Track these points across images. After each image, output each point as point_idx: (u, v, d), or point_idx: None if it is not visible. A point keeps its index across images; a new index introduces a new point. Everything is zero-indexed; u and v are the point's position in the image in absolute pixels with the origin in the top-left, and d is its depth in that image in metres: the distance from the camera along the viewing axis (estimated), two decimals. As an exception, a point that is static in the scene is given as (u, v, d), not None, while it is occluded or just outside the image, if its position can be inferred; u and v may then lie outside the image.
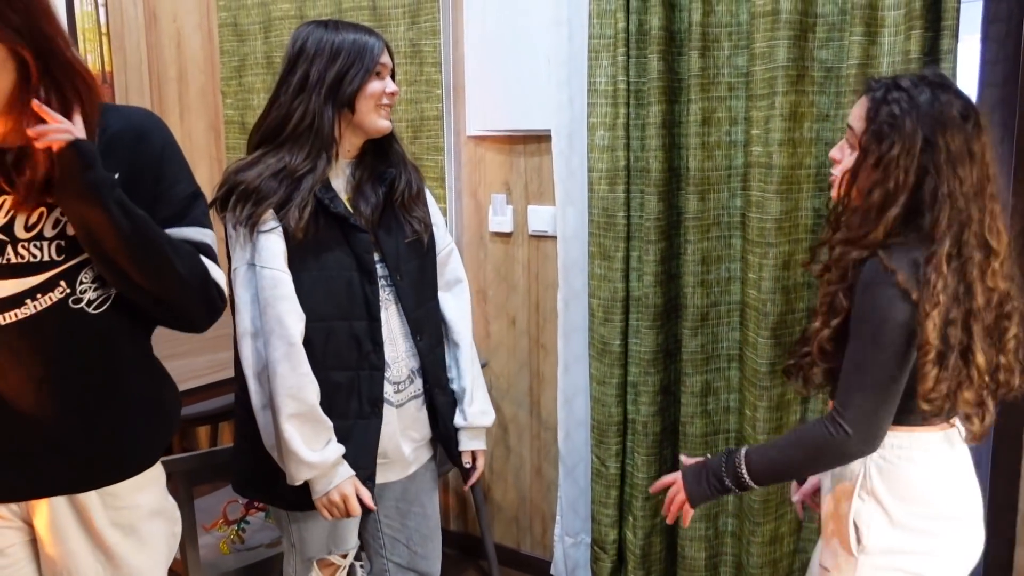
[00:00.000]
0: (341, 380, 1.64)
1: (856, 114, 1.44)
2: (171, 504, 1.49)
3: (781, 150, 2.07)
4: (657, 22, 2.19)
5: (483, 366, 2.70)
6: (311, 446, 1.59)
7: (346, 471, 1.64)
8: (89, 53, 3.52)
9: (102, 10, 3.47)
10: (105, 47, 3.49)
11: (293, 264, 1.61)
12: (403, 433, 1.76)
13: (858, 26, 1.97)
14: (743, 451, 1.45)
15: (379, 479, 1.74)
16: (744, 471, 1.44)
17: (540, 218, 2.62)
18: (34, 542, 1.39)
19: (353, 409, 1.66)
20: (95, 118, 1.27)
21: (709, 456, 1.52)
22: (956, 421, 1.44)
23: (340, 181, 1.70)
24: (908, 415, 1.38)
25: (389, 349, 1.70)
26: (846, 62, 2.01)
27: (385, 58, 1.69)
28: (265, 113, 1.67)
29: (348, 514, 1.65)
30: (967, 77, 1.95)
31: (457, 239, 2.77)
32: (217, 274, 1.40)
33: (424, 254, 1.79)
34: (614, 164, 2.31)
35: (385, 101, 1.69)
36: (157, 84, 3.44)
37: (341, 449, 1.63)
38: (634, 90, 2.29)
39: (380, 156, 1.76)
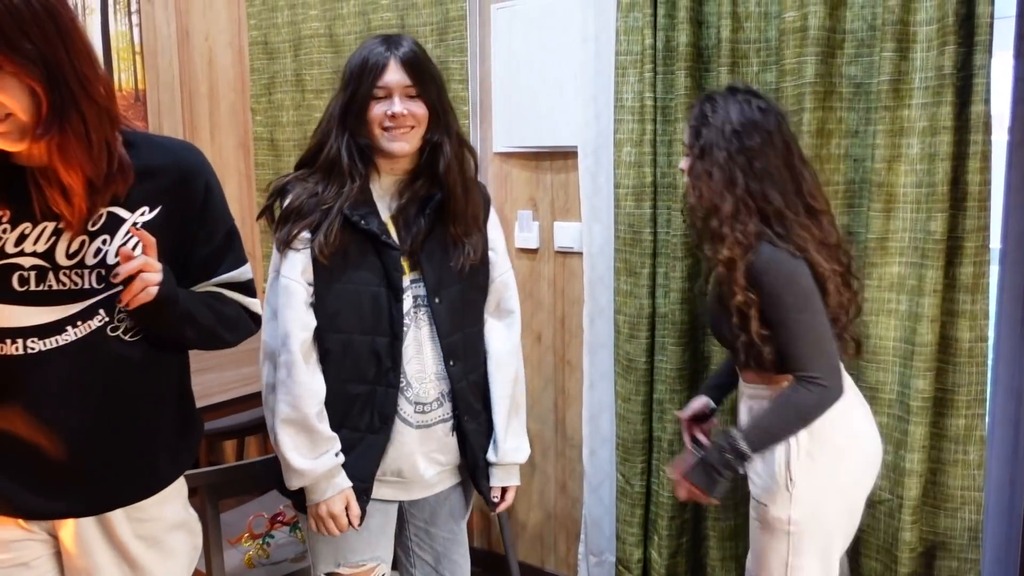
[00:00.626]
0: (358, 392, 1.65)
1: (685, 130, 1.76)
2: (192, 517, 1.50)
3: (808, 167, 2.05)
4: (685, 39, 2.19)
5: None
6: (302, 453, 1.62)
7: (340, 484, 1.64)
8: (123, 71, 3.58)
9: (136, 29, 3.53)
10: (139, 65, 3.55)
11: (322, 276, 1.63)
12: (427, 455, 1.73)
13: (889, 42, 1.96)
14: (735, 431, 1.65)
15: (398, 496, 1.74)
16: (744, 446, 1.63)
17: (566, 234, 2.61)
18: (59, 554, 1.40)
19: (365, 422, 1.66)
20: (115, 147, 1.27)
21: (694, 454, 1.73)
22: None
23: (384, 198, 1.69)
24: None
25: (416, 369, 1.69)
26: (876, 78, 2.00)
27: (389, 76, 1.61)
28: (313, 135, 1.72)
29: (339, 530, 1.66)
30: (1000, 94, 1.93)
31: (483, 255, 2.77)
32: (255, 306, 1.51)
33: (471, 280, 1.74)
34: (640, 180, 2.31)
35: (387, 124, 1.62)
36: (188, 101, 3.48)
37: (335, 461, 1.63)
38: (661, 106, 2.28)
39: (434, 177, 1.69)
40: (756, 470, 1.75)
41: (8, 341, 1.27)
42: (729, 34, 2.15)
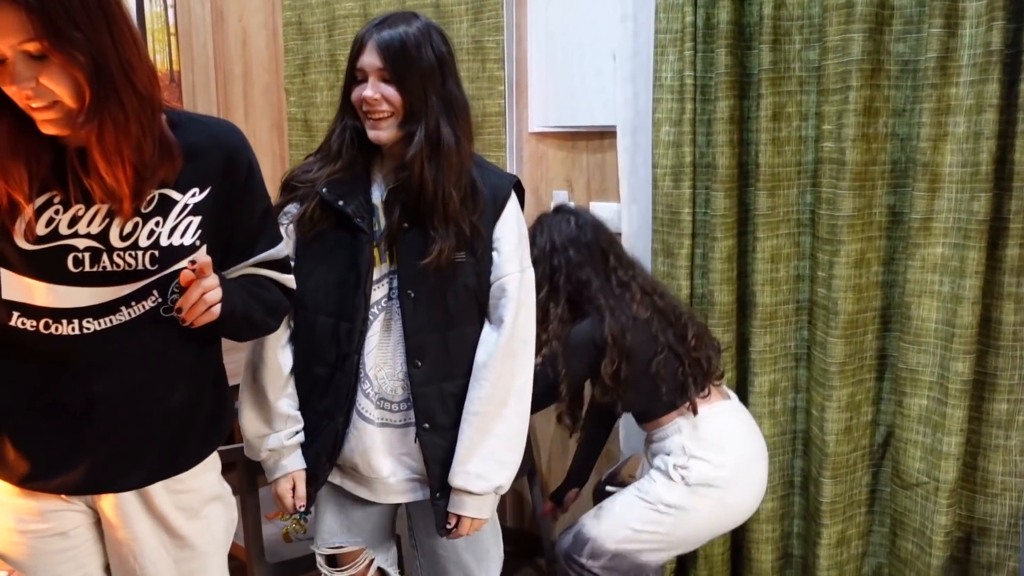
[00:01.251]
0: (319, 374, 1.61)
1: None
2: (227, 490, 1.52)
3: (854, 146, 2.03)
4: (726, 16, 2.16)
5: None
6: (254, 425, 1.63)
7: (286, 466, 1.63)
8: (158, 53, 3.60)
9: (171, 11, 3.54)
10: (173, 47, 3.56)
11: (299, 251, 1.61)
12: (395, 457, 1.63)
13: (937, 18, 1.92)
14: None
15: (356, 491, 1.68)
16: None
17: (603, 215, 2.56)
18: (98, 524, 1.42)
19: (323, 406, 1.62)
20: (158, 132, 1.27)
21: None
22: (727, 393, 2.08)
23: (380, 183, 1.63)
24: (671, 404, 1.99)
25: (377, 363, 1.60)
26: (924, 55, 1.97)
27: (364, 58, 1.52)
28: None
29: (288, 510, 1.65)
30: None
31: (518, 236, 2.77)
32: (290, 282, 1.52)
33: (455, 277, 1.58)
34: (679, 160, 2.29)
35: (364, 108, 1.54)
36: (223, 83, 3.50)
37: (283, 442, 1.62)
38: (701, 85, 2.26)
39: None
40: (665, 448, 1.99)
41: (64, 321, 1.29)
42: (771, 11, 2.12)
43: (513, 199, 1.65)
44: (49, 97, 1.16)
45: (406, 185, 1.55)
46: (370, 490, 1.67)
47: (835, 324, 2.10)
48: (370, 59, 1.52)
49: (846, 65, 2.02)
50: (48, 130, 1.20)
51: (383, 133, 1.54)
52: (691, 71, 2.24)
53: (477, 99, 2.70)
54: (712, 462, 1.93)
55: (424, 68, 1.52)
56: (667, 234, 2.34)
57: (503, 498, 3.00)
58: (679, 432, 1.97)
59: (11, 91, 1.15)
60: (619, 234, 2.51)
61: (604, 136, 2.55)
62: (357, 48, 1.54)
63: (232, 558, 1.56)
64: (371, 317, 1.59)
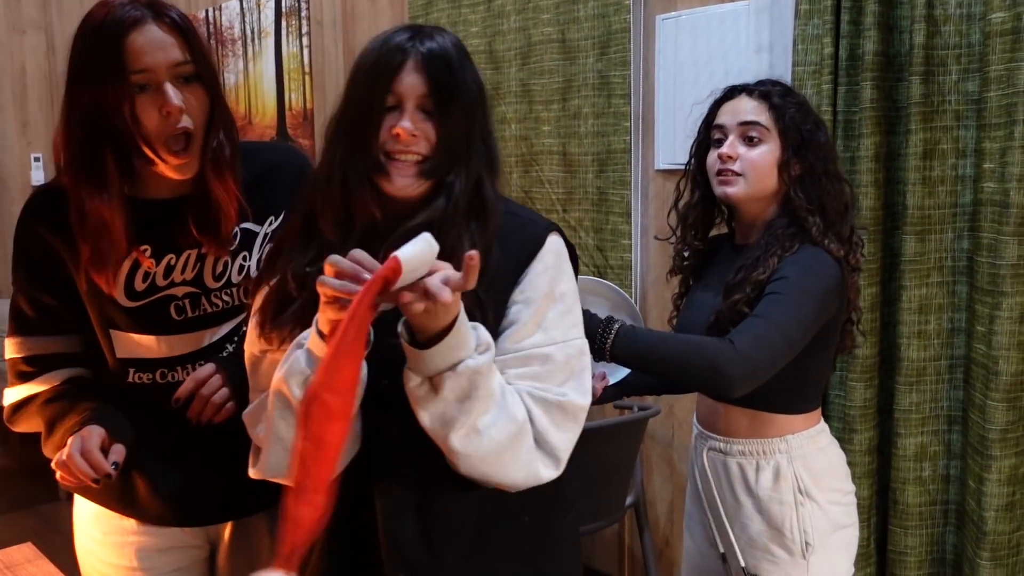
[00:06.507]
0: None
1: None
2: None
3: (1021, 186, 1.82)
4: (871, 47, 2.00)
5: (656, 414, 2.52)
6: None
7: None
8: (293, 91, 3.71)
9: (306, 51, 3.65)
10: (307, 85, 3.67)
11: None
12: None
13: (1122, 43, 1.70)
14: (618, 324, 1.41)
15: None
16: (609, 342, 1.39)
17: (732, 257, 2.45)
18: (209, 560, 1.44)
19: None
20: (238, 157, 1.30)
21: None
22: None
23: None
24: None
25: None
26: (1106, 85, 1.75)
27: (405, 79, 1.10)
28: None
29: None
30: None
31: (643, 278, 2.66)
32: None
33: None
34: (818, 200, 2.12)
35: (389, 147, 1.12)
36: (353, 120, 3.56)
37: None
38: (843, 120, 2.09)
39: None
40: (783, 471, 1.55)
41: (179, 368, 1.32)
42: (924, 39, 1.94)
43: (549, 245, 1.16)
44: (188, 123, 1.20)
45: None
46: None
47: (995, 385, 1.87)
48: (412, 81, 1.08)
49: (1011, 97, 1.82)
50: (175, 170, 1.22)
51: (410, 181, 1.10)
52: (829, 106, 2.09)
53: (602, 135, 2.62)
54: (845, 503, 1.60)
55: (468, 100, 1.12)
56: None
57: (591, 538, 2.86)
58: (815, 450, 1.57)
59: (155, 121, 1.17)
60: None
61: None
62: (393, 66, 1.09)
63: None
64: None
